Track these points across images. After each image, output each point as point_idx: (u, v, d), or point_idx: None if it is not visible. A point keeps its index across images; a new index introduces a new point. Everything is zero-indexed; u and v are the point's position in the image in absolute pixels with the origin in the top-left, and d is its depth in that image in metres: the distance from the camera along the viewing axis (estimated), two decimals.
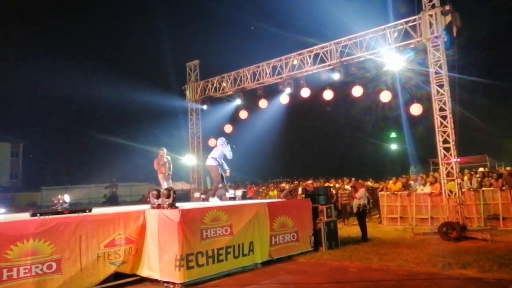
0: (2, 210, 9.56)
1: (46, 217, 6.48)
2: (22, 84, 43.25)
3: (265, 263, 8.40)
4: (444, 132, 11.27)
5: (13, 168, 39.02)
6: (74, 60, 45.87)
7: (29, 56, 50.09)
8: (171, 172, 11.82)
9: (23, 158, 40.04)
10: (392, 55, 12.59)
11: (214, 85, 16.96)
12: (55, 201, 7.41)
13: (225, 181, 10.77)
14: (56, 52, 52.97)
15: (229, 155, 10.51)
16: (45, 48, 53.13)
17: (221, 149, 10.50)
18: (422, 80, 13.00)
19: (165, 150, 11.63)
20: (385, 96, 13.29)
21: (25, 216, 6.88)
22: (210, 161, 10.44)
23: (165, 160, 11.65)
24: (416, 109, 12.37)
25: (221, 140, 10.75)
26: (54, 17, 59.31)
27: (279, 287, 6.89)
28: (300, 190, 11.56)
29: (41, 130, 39.96)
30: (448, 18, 11.29)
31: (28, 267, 5.99)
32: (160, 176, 11.57)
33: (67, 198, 7.48)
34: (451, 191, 11.16)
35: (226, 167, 10.73)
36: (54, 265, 6.26)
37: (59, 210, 7.01)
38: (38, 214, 6.55)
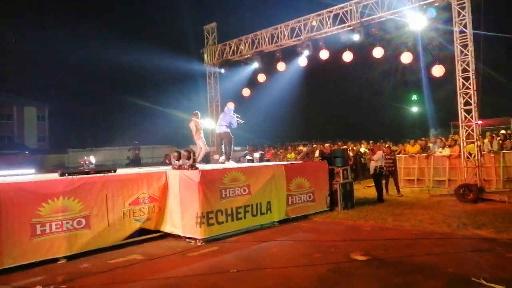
0: (32, 170, 10.05)
1: (74, 176, 6.87)
2: (45, 50, 43.94)
3: (282, 222, 8.73)
4: (466, 94, 11.04)
5: (39, 131, 40.53)
6: (96, 25, 46.00)
7: (54, 23, 50.36)
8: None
9: (49, 121, 41.31)
10: (415, 15, 12.13)
11: (232, 48, 16.81)
12: (82, 162, 7.78)
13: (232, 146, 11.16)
14: (79, 18, 53.14)
15: (235, 125, 10.97)
16: (68, 15, 53.36)
17: (229, 117, 10.93)
18: (445, 40, 12.57)
19: (198, 114, 11.76)
20: (406, 58, 12.95)
21: (54, 176, 7.30)
22: (223, 128, 10.87)
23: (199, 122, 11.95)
24: (438, 71, 12.06)
25: (229, 109, 11.11)
26: None
27: (295, 244, 7.19)
28: (317, 153, 11.67)
29: (65, 95, 40.87)
30: None
31: (60, 222, 6.44)
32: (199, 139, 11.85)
33: (92, 159, 7.84)
34: (470, 154, 11.08)
35: (240, 120, 11.12)
36: (84, 221, 6.69)
37: (86, 170, 7.39)
38: (66, 174, 6.94)
